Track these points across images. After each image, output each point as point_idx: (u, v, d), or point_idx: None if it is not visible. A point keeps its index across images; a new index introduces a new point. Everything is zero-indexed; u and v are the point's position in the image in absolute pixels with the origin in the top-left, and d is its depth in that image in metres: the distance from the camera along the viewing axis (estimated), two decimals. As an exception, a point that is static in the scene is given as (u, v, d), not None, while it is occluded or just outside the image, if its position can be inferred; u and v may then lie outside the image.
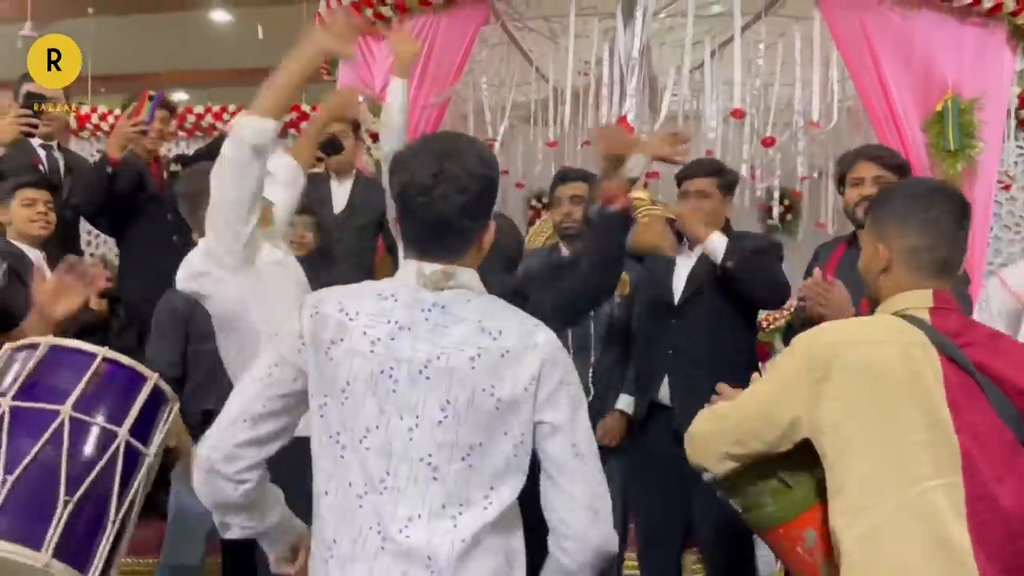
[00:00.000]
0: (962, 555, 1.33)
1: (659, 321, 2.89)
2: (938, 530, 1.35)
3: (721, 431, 1.59)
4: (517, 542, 1.37)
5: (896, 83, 3.52)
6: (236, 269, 2.04)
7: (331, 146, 3.50)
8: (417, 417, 1.29)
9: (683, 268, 2.88)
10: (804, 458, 1.52)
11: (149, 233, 3.48)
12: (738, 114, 3.73)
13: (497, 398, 1.30)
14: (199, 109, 6.30)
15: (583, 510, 1.34)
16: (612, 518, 1.38)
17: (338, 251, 3.62)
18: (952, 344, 1.44)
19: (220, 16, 9.35)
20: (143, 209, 3.50)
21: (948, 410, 1.40)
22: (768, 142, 4.08)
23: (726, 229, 2.86)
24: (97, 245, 5.22)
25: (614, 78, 3.73)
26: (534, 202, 5.64)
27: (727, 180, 2.94)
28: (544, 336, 1.36)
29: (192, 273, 2.08)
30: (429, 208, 1.31)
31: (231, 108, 6.27)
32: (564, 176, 3.05)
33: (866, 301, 1.74)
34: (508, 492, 1.32)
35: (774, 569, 3.13)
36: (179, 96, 11.62)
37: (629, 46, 3.58)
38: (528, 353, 1.32)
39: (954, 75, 3.56)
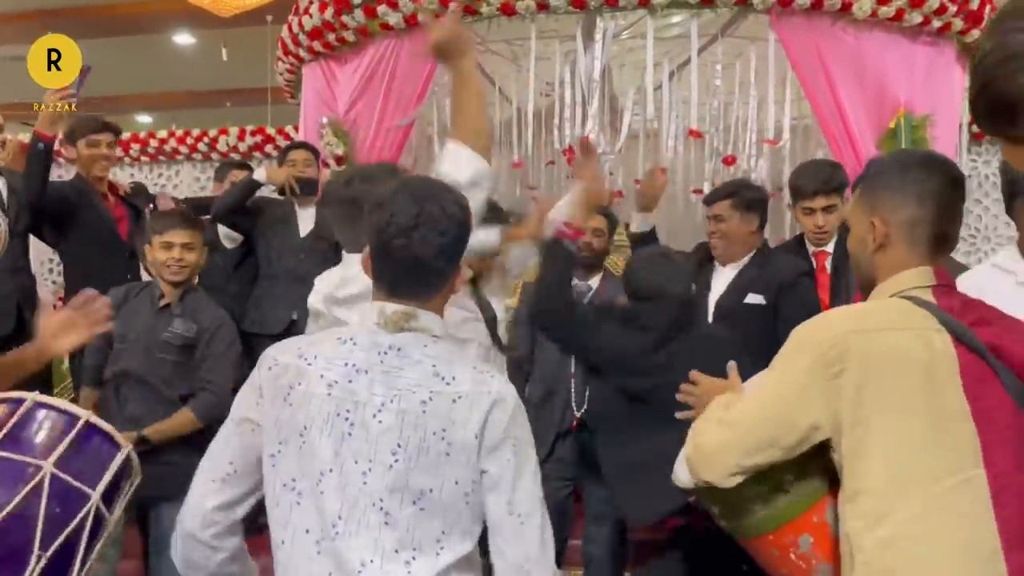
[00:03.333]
0: (990, 554, 1.27)
1: None
2: (964, 531, 1.28)
3: (732, 442, 1.43)
4: None
5: (850, 101, 3.60)
6: None
7: (309, 187, 3.61)
8: (370, 461, 1.29)
9: (713, 295, 2.91)
10: (799, 461, 1.43)
11: (94, 254, 3.45)
12: (695, 134, 3.79)
13: (448, 443, 1.29)
14: (162, 134, 6.25)
15: (513, 570, 1.32)
16: None
17: (303, 272, 3.62)
18: (964, 327, 1.35)
19: (183, 39, 9.31)
20: (88, 229, 3.47)
21: (964, 397, 1.32)
22: (729, 160, 4.15)
23: (761, 252, 2.88)
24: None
25: (576, 99, 3.77)
26: (501, 222, 5.67)
27: (745, 199, 2.88)
28: (498, 385, 1.34)
29: (349, 294, 1.86)
30: (408, 249, 1.32)
31: (195, 132, 6.24)
32: None
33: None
34: (462, 540, 1.31)
35: None
36: (142, 119, 11.55)
37: (590, 68, 3.63)
38: (480, 400, 1.31)
39: (906, 93, 3.65)
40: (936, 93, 3.76)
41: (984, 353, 1.33)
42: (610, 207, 3.42)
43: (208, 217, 3.57)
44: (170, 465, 2.31)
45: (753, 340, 2.64)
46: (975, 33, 3.79)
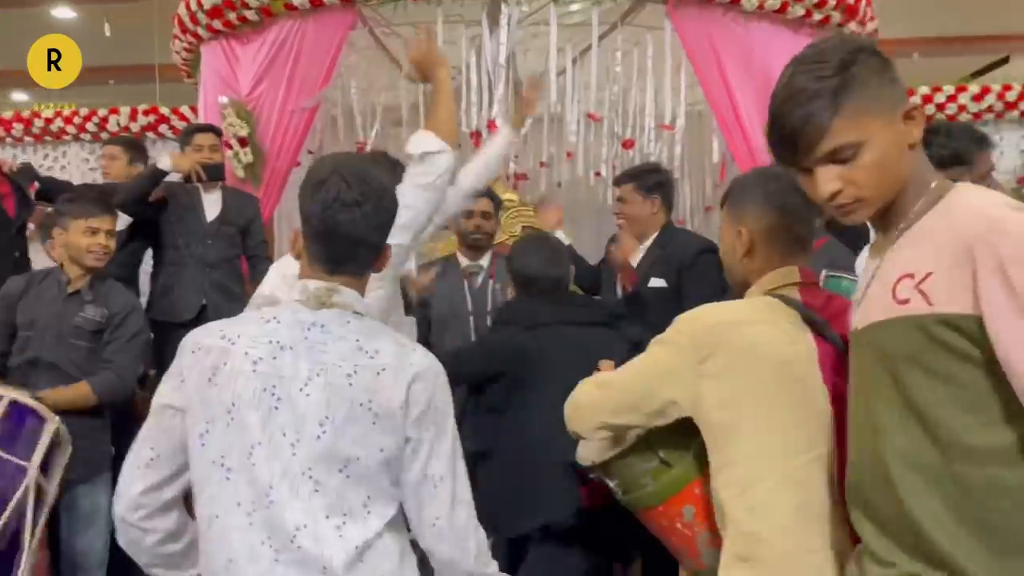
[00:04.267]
0: (835, 520, 1.43)
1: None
2: (813, 499, 1.44)
3: (601, 400, 1.62)
4: (407, 543, 1.43)
5: (740, 88, 3.81)
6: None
7: (215, 172, 3.58)
8: (298, 433, 1.34)
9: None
10: (680, 437, 1.58)
11: None
12: (595, 118, 3.93)
13: (374, 412, 1.36)
14: (48, 113, 5.95)
15: (426, 527, 1.41)
16: (464, 536, 1.43)
17: (212, 257, 3.59)
18: (824, 321, 1.49)
19: (63, 12, 8.84)
20: None
21: (823, 385, 1.45)
22: (628, 144, 4.31)
23: (665, 231, 3.01)
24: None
25: (482, 83, 3.84)
26: (406, 203, 5.68)
27: (647, 182, 3.02)
28: (420, 357, 1.42)
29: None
30: (352, 224, 1.38)
31: (83, 112, 5.97)
32: None
33: None
34: (387, 504, 1.39)
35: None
36: (19, 97, 10.89)
37: (496, 53, 3.71)
38: (403, 372, 1.38)
39: (791, 82, 3.88)
40: (818, 82, 4.01)
41: (839, 343, 1.48)
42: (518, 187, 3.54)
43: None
44: (78, 450, 2.29)
45: (661, 324, 2.84)
46: (853, 26, 4.07)
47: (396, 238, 1.59)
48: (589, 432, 1.66)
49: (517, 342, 2.32)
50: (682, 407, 1.53)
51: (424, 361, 1.42)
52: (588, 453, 1.83)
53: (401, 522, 1.43)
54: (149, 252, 3.75)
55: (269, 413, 1.34)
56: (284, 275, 2.16)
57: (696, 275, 2.85)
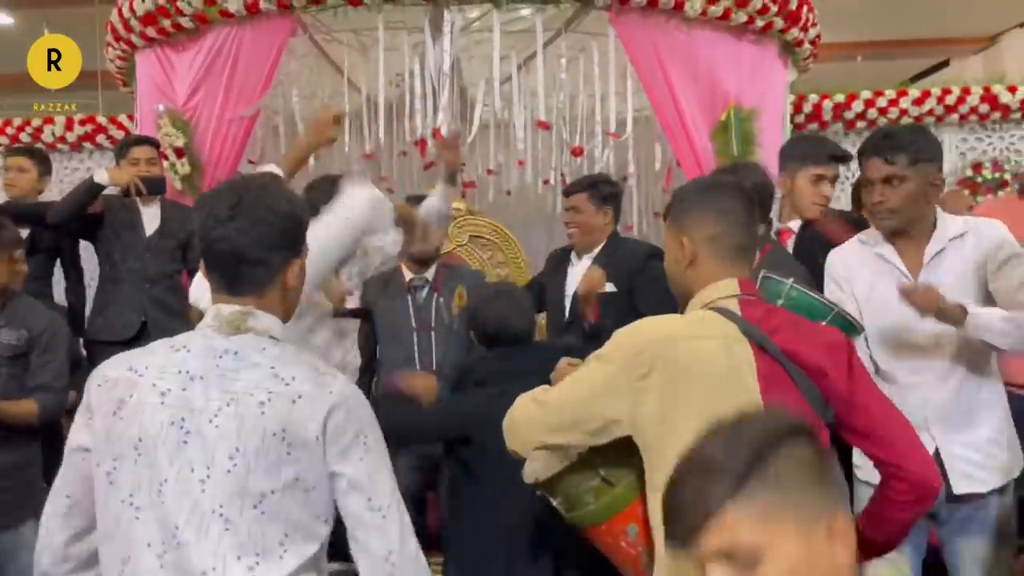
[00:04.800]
0: None
1: (555, 335, 3.15)
2: None
3: (538, 419, 1.57)
4: None
5: (684, 95, 3.81)
6: None
7: (155, 187, 3.50)
8: (208, 468, 1.27)
9: (571, 288, 3.09)
10: (622, 456, 1.55)
11: None
12: (543, 125, 3.89)
13: (288, 443, 1.28)
14: (-3, 121, 5.72)
15: (379, 563, 1.34)
16: (416, 567, 1.37)
17: (151, 272, 3.49)
18: (762, 334, 1.49)
19: (0, 18, 8.58)
20: None
21: (761, 398, 1.45)
22: (577, 151, 4.29)
23: (612, 240, 3.10)
24: None
25: (426, 91, 3.79)
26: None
27: (601, 193, 3.09)
28: (340, 386, 1.35)
29: None
30: (225, 240, 1.31)
31: (16, 121, 5.76)
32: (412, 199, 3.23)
33: None
34: (306, 542, 1.31)
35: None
36: (-47, 105, 10.54)
37: (439, 60, 3.65)
38: (321, 401, 1.31)
39: (735, 87, 3.90)
40: (761, 87, 4.04)
41: (779, 356, 1.49)
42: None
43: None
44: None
45: (610, 329, 2.84)
46: (795, 32, 4.10)
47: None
48: (524, 449, 1.60)
49: (480, 404, 2.24)
50: (623, 425, 1.50)
51: (344, 390, 1.35)
52: (534, 470, 1.80)
53: (322, 562, 1.36)
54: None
55: (178, 447, 1.27)
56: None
57: (647, 279, 2.88)
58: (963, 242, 2.17)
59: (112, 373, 1.32)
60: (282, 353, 1.35)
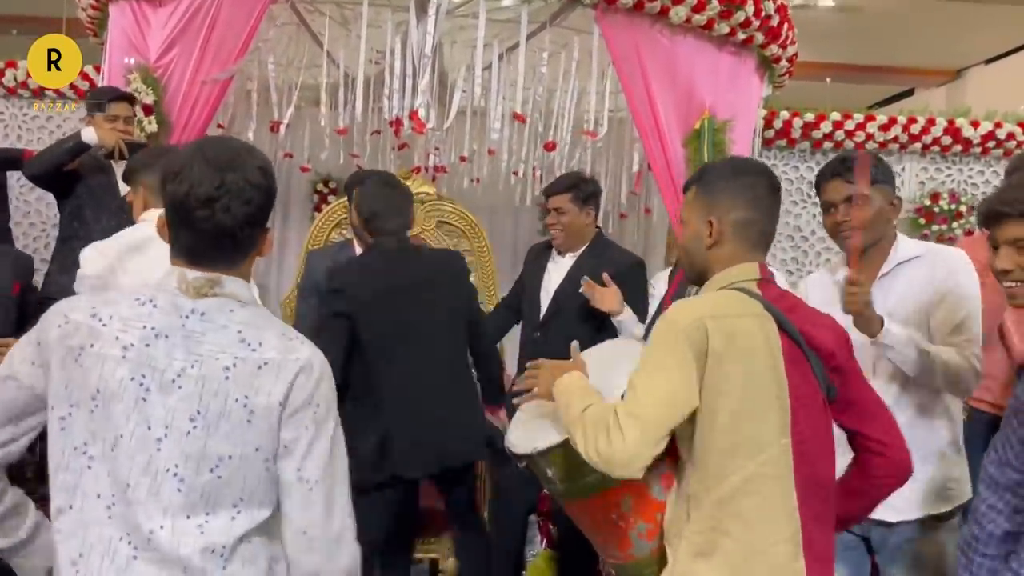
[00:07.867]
0: (791, 508, 1.50)
1: (529, 334, 3.23)
2: (776, 492, 1.50)
3: (641, 435, 1.47)
4: (279, 550, 1.35)
5: (662, 100, 3.84)
6: None
7: (138, 151, 3.42)
8: (167, 427, 1.26)
9: (550, 284, 3.20)
10: None
11: None
12: (519, 118, 3.89)
13: (250, 410, 1.28)
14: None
15: (296, 536, 1.33)
16: (336, 549, 1.34)
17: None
18: (784, 315, 1.55)
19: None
20: None
21: (785, 378, 1.51)
22: (549, 146, 4.30)
23: (599, 241, 3.19)
24: None
25: (406, 71, 3.75)
26: (320, 186, 5.53)
27: (583, 193, 3.17)
28: (307, 352, 1.34)
29: None
30: (210, 221, 1.29)
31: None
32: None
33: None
34: (260, 507, 1.31)
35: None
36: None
37: (422, 42, 3.63)
38: (286, 367, 1.31)
39: (711, 96, 3.94)
40: (737, 99, 4.09)
41: (798, 337, 1.55)
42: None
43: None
44: None
45: (588, 328, 2.99)
46: (774, 48, 4.16)
47: None
48: (638, 473, 1.49)
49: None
50: (697, 402, 1.53)
51: (310, 356, 1.34)
52: (523, 441, 1.77)
53: (273, 530, 1.35)
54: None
55: (136, 404, 1.26)
56: (103, 252, 2.18)
57: (632, 287, 3.03)
58: (916, 265, 2.21)
59: (75, 316, 1.29)
60: (250, 317, 1.34)
